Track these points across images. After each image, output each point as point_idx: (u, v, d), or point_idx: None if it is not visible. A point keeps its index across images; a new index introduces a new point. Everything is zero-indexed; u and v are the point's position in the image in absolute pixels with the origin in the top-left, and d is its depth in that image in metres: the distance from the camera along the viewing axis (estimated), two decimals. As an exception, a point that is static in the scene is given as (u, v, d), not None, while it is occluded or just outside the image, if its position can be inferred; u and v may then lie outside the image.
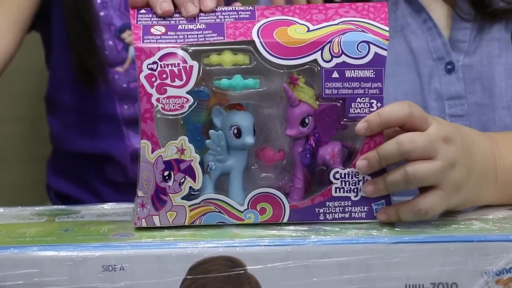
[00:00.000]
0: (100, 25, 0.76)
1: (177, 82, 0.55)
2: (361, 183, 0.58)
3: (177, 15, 0.58)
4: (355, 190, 0.58)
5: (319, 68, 0.56)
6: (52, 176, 0.98)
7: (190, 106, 0.55)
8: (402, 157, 0.55)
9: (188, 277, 0.53)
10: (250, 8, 0.57)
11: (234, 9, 0.57)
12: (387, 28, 0.55)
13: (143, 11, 0.57)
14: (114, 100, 0.78)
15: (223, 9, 0.57)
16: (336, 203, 0.59)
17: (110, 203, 0.67)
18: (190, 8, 0.56)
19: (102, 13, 0.77)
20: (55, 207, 0.68)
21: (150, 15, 0.56)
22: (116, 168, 0.80)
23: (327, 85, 0.56)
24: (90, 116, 0.84)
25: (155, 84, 0.54)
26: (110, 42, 0.76)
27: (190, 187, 0.56)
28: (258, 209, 0.58)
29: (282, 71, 0.57)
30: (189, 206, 0.56)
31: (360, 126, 0.55)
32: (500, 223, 0.58)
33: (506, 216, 0.59)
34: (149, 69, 0.54)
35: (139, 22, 0.56)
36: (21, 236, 0.57)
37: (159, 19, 0.57)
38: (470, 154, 0.56)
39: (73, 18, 0.77)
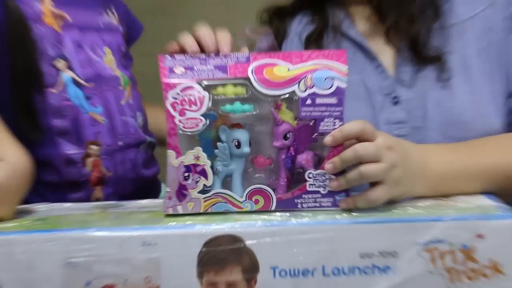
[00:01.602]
0: (38, 54, 0.82)
1: (193, 108, 0.67)
2: (327, 181, 0.69)
3: (193, 60, 0.69)
4: (324, 186, 0.69)
5: (297, 97, 0.67)
6: None
7: (203, 125, 0.68)
8: (357, 161, 0.66)
9: (203, 249, 0.65)
10: (246, 54, 0.69)
11: (235, 55, 0.69)
12: (346, 67, 0.67)
13: (167, 57, 0.68)
14: (48, 115, 0.83)
15: (227, 55, 0.69)
16: (309, 196, 0.69)
17: (147, 200, 0.78)
18: (210, 47, 0.69)
19: (40, 43, 0.83)
20: (106, 202, 0.79)
21: (172, 59, 0.68)
22: (52, 171, 0.83)
23: (302, 109, 0.67)
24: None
25: (178, 109, 0.67)
26: (45, 68, 0.83)
27: (204, 185, 0.68)
28: (253, 200, 0.69)
29: (269, 99, 0.68)
30: (203, 198, 0.68)
31: (327, 139, 0.67)
32: (428, 208, 0.70)
33: (432, 204, 0.71)
34: (173, 98, 0.67)
35: (165, 64, 0.68)
36: (83, 221, 0.69)
37: (179, 62, 0.68)
38: (406, 159, 0.68)
39: (17, 46, 0.81)
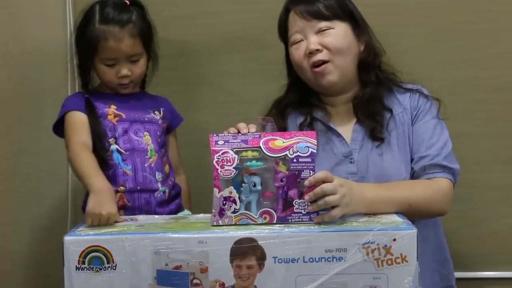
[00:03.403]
0: (102, 136, 1.22)
1: (228, 164, 0.98)
2: (306, 206, 0.96)
3: (229, 137, 0.98)
4: (304, 209, 0.97)
5: (288, 158, 0.97)
6: None
7: (234, 174, 0.98)
8: (323, 194, 0.95)
9: (233, 246, 0.92)
10: (259, 134, 0.98)
11: (252, 134, 0.98)
12: (315, 141, 0.97)
13: (214, 135, 0.99)
14: (103, 167, 1.19)
15: (249, 134, 0.98)
16: (295, 215, 0.98)
17: (202, 214, 1.06)
18: (244, 130, 1.00)
19: (104, 130, 1.24)
20: (178, 215, 1.10)
21: (217, 136, 0.99)
22: None
23: (291, 165, 0.97)
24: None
25: (219, 164, 0.98)
26: (105, 143, 1.22)
27: (234, 208, 0.98)
28: (263, 217, 0.98)
29: (272, 159, 0.98)
30: (234, 216, 0.98)
31: (306, 182, 0.96)
32: (364, 222, 0.97)
33: (367, 220, 0.98)
34: (217, 158, 0.98)
35: (213, 139, 0.99)
36: (164, 227, 0.98)
37: (221, 138, 0.98)
38: (352, 192, 0.97)
39: (93, 131, 1.21)
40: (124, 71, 1.23)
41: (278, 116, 1.21)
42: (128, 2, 1.25)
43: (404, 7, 1.48)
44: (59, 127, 1.25)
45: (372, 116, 1.14)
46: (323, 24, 1.13)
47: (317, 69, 1.14)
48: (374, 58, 1.15)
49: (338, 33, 1.13)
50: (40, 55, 1.50)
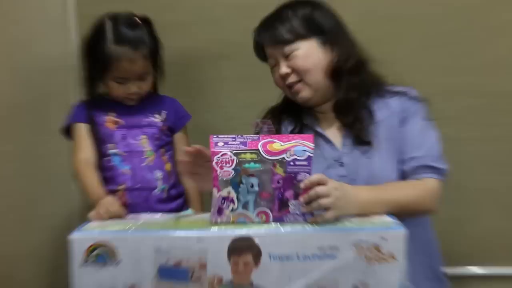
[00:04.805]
0: (101, 142, 1.29)
1: (228, 165, 0.99)
2: (301, 207, 0.97)
3: (228, 138, 0.99)
4: (299, 209, 0.98)
5: (285, 160, 0.97)
6: None
7: (233, 175, 0.98)
8: (317, 197, 0.96)
9: (231, 243, 0.94)
10: (257, 137, 0.99)
11: (251, 136, 0.99)
12: (312, 145, 0.98)
13: (214, 136, 1.00)
14: (103, 170, 1.29)
15: (248, 136, 0.98)
16: (291, 215, 0.99)
17: (203, 214, 1.07)
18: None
19: (103, 137, 1.31)
20: (178, 214, 1.12)
21: (217, 138, 1.00)
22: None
23: (288, 167, 0.97)
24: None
25: (219, 165, 0.99)
26: (104, 148, 1.30)
27: (232, 207, 0.99)
28: (260, 217, 0.99)
29: (270, 161, 0.98)
30: (232, 215, 0.99)
31: (302, 184, 0.97)
32: (357, 222, 0.99)
33: (359, 220, 0.99)
34: (217, 159, 0.98)
35: (213, 141, 1.00)
36: (165, 225, 1.01)
37: (220, 139, 0.99)
38: (345, 194, 0.99)
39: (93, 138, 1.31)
40: (134, 89, 1.29)
41: (273, 122, 1.22)
42: (138, 20, 1.28)
43: (397, 16, 1.50)
44: (67, 130, 1.35)
45: (353, 122, 1.17)
46: (287, 49, 1.18)
47: (291, 89, 1.21)
48: (346, 64, 1.17)
49: (303, 54, 1.17)
50: (45, 63, 1.56)
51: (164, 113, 1.35)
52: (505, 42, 1.49)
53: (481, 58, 1.50)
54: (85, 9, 1.51)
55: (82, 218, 1.11)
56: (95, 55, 1.27)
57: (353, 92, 1.18)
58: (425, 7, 1.50)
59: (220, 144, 1.02)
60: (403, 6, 1.49)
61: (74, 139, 1.31)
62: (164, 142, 1.35)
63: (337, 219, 1.01)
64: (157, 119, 1.34)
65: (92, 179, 1.22)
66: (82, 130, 1.31)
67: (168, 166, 1.33)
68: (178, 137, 1.41)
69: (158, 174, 1.30)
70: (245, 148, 1.00)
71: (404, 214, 1.06)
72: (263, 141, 1.01)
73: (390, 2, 1.50)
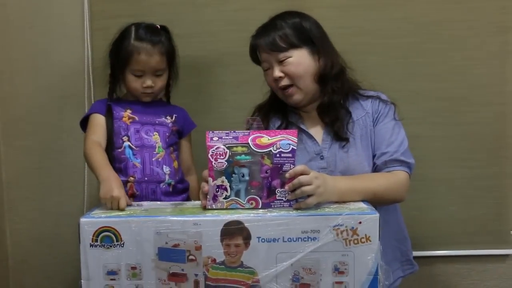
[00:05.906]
0: (116, 134, 1.23)
1: (221, 157, 0.97)
2: (287, 194, 0.96)
3: (222, 134, 0.96)
4: (285, 196, 0.97)
5: (272, 153, 0.96)
6: None
7: (226, 166, 0.97)
8: (300, 185, 0.95)
9: (223, 227, 0.92)
10: (248, 132, 0.98)
11: (242, 132, 0.97)
12: (296, 139, 0.96)
13: (210, 132, 0.97)
14: (115, 161, 1.21)
15: (239, 132, 0.96)
16: (277, 201, 0.98)
17: (197, 201, 1.05)
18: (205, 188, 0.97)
19: (118, 130, 1.24)
20: (177, 202, 1.09)
21: (213, 133, 0.97)
22: None
23: (274, 159, 0.97)
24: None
25: (213, 157, 0.97)
26: (118, 140, 1.23)
27: (225, 194, 0.97)
28: (250, 203, 0.97)
29: (259, 153, 0.97)
30: (226, 201, 0.97)
31: (287, 174, 0.96)
32: (335, 208, 0.97)
33: (337, 206, 0.98)
34: (212, 152, 0.97)
35: (209, 136, 0.98)
36: (165, 211, 0.98)
37: (215, 134, 0.96)
38: (325, 183, 0.97)
39: (108, 130, 1.24)
40: (149, 82, 1.26)
41: (262, 120, 1.19)
42: (159, 26, 1.29)
43: (369, 30, 1.50)
44: (85, 124, 1.29)
45: (334, 121, 1.16)
46: (281, 55, 1.15)
47: (284, 92, 1.18)
48: (331, 71, 1.16)
49: (295, 61, 1.15)
50: (62, 67, 1.54)
51: (174, 117, 1.33)
52: (461, 54, 1.51)
53: (441, 67, 1.51)
54: (97, 23, 1.51)
55: (90, 207, 1.08)
56: (119, 52, 1.26)
57: (336, 96, 1.17)
58: (392, 23, 1.50)
59: (215, 138, 1.00)
60: (373, 22, 1.50)
61: (89, 125, 1.26)
62: (173, 141, 1.31)
63: (318, 205, 0.98)
64: (168, 120, 1.31)
65: (99, 155, 1.16)
66: (98, 118, 1.26)
67: (175, 164, 1.29)
68: (182, 143, 1.37)
69: (167, 169, 1.25)
70: (237, 142, 0.99)
71: (377, 202, 1.04)
72: (253, 136, 1.00)
73: (363, 19, 1.50)
